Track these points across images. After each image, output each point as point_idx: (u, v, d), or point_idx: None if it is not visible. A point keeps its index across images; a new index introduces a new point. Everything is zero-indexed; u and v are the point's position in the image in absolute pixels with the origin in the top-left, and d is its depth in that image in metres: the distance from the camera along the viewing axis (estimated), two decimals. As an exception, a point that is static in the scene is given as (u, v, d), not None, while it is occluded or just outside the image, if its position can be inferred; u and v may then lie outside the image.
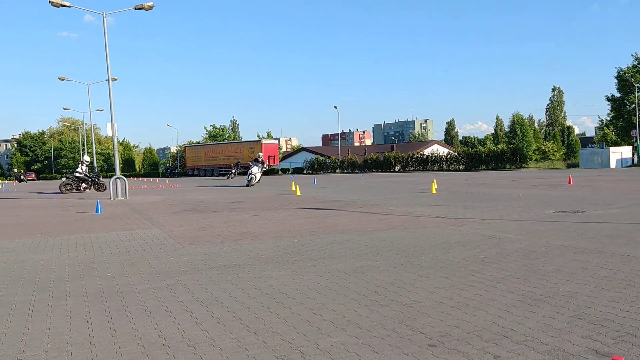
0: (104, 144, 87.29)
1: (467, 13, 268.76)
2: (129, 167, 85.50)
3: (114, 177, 18.31)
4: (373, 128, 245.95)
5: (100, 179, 24.47)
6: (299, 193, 18.08)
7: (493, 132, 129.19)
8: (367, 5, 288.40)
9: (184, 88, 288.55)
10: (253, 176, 25.43)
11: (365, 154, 60.09)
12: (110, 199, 18.09)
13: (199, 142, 73.56)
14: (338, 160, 57.40)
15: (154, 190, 27.02)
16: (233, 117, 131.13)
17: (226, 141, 72.39)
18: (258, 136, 70.85)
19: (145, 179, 58.51)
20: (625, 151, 44.88)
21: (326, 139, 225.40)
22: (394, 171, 52.37)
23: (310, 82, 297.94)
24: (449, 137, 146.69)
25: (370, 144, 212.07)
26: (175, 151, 74.80)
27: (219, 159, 59.28)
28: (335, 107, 58.99)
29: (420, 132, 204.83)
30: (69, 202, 18.09)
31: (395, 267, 5.70)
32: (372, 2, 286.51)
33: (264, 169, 26.65)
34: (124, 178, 18.92)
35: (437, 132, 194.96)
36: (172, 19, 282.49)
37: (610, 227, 8.16)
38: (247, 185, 25.26)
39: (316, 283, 5.09)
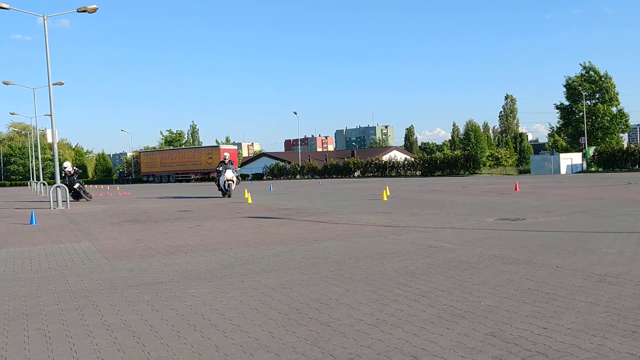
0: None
1: (426, 28, 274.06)
2: (81, 174, 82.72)
3: (54, 185, 17.56)
4: (335, 133, 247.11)
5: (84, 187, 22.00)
6: (250, 201, 17.79)
7: (450, 138, 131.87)
8: (333, 7, 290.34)
9: (142, 92, 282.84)
10: (231, 182, 20.43)
11: (326, 159, 60.15)
12: (50, 208, 17.34)
13: (154, 148, 72.01)
14: (298, 166, 57.24)
15: (101, 198, 26.14)
16: (192, 122, 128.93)
17: (183, 146, 71.13)
18: (216, 141, 69.87)
19: (96, 186, 56.71)
20: (575, 157, 46.39)
21: (289, 144, 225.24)
22: (354, 177, 52.61)
23: (273, 87, 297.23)
24: (409, 143, 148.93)
25: (332, 149, 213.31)
26: (130, 157, 72.95)
27: (175, 164, 58.16)
28: (295, 113, 59.08)
29: (381, 137, 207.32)
30: (7, 212, 17.24)
31: (325, 281, 5.56)
32: (337, 5, 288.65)
33: (235, 172, 20.97)
34: (65, 186, 18.17)
35: (397, 138, 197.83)
36: (130, 23, 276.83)
37: (546, 235, 8.27)
38: (228, 196, 20.47)
39: (238, 301, 4.89)
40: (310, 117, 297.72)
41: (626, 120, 50.79)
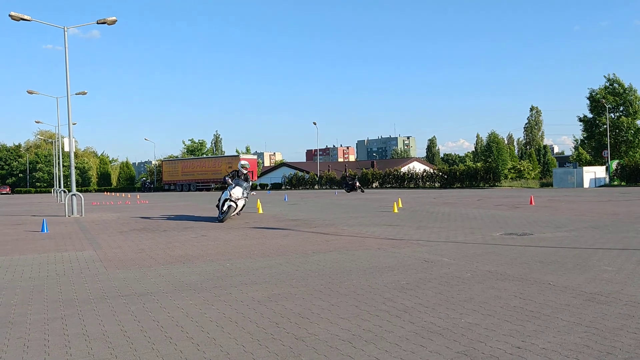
0: (80, 157, 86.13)
1: (450, 35, 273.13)
2: (105, 182, 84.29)
3: (70, 193, 17.92)
4: (357, 144, 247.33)
5: None
6: (261, 211, 17.88)
7: (473, 150, 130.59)
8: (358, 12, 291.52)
9: (168, 101, 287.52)
10: (233, 204, 14.62)
11: (345, 170, 60.11)
12: (65, 216, 17.70)
13: (177, 157, 73.00)
14: (316, 176, 57.32)
15: (118, 206, 26.56)
16: (216, 131, 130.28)
17: (203, 156, 71.90)
18: (237, 151, 70.41)
19: (119, 193, 57.70)
20: (599, 171, 45.46)
21: (310, 154, 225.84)
22: (372, 187, 52.41)
23: (296, 96, 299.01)
24: (431, 154, 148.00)
25: (354, 159, 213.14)
26: (153, 165, 74.02)
27: (196, 173, 58.82)
28: (314, 123, 59.20)
29: (402, 148, 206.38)
30: (23, 219, 17.65)
31: (312, 295, 5.55)
32: (359, 28, 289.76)
33: (248, 190, 15.39)
34: (80, 194, 18.52)
35: (420, 149, 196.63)
36: (154, 30, 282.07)
37: (548, 251, 8.12)
38: (219, 220, 14.52)
39: (221, 314, 4.91)
40: (332, 127, 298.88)
41: (651, 134, 49.64)
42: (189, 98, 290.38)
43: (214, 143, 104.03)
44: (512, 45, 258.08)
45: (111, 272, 7.17)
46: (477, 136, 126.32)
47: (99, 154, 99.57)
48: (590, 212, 14.93)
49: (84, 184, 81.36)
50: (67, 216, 17.62)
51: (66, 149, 18.48)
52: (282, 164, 78.14)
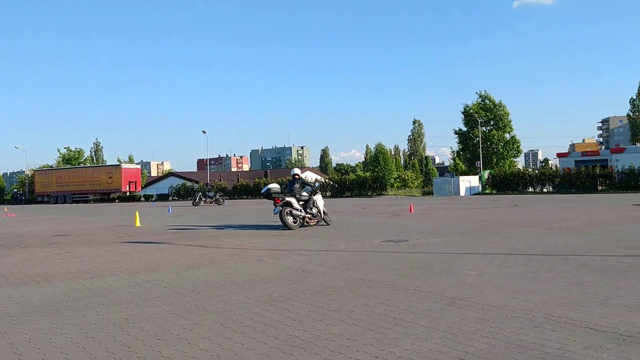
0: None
1: (344, 46, 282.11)
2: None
3: None
4: (251, 153, 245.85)
5: None
6: (138, 224, 16.89)
7: (364, 160, 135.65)
8: (242, 32, 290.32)
9: (41, 108, 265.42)
10: (307, 215, 14.15)
11: (237, 179, 59.16)
12: None
13: (51, 166, 67.36)
14: (206, 186, 55.79)
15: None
16: (96, 139, 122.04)
17: (81, 165, 67.11)
18: (118, 160, 66.50)
19: (-16, 207, 51.88)
20: (473, 180, 49.03)
21: (202, 164, 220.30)
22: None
23: (186, 104, 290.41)
24: (324, 164, 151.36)
25: (247, 169, 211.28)
26: (24, 176, 67.60)
27: (72, 184, 54.63)
28: (204, 132, 57.66)
29: (297, 158, 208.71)
30: None
31: (176, 314, 5.19)
32: (249, 33, 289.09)
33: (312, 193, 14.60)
34: None
35: (314, 158, 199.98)
36: (25, 27, 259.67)
37: (419, 257, 8.42)
38: (288, 227, 13.59)
39: (69, 339, 4.41)
40: (226, 137, 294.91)
41: (518, 146, 54.76)
42: (67, 104, 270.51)
43: (94, 152, 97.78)
44: (399, 56, 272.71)
45: (-57, 298, 6.23)
46: (367, 147, 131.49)
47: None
48: (462, 219, 15.92)
49: None
50: None
51: None
52: (170, 174, 75.16)
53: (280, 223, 13.77)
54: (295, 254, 9.24)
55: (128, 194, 54.28)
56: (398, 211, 20.47)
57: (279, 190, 14.10)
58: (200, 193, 35.76)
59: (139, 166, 59.18)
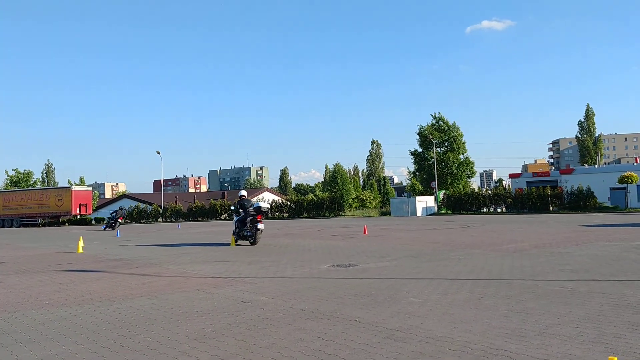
0: None
1: (305, 66, 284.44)
2: None
3: None
4: (209, 174, 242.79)
5: None
6: (80, 250, 16.09)
7: (323, 180, 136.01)
8: (195, 48, 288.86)
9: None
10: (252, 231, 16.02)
11: (194, 201, 57.98)
12: None
13: (-2, 189, 64.38)
14: (160, 208, 54.46)
15: None
16: (48, 160, 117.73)
17: (30, 187, 64.40)
18: (69, 182, 64.10)
19: None
20: (429, 200, 49.67)
21: (158, 185, 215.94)
22: (220, 219, 51.20)
23: (141, 124, 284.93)
24: (283, 184, 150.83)
25: (205, 190, 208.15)
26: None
27: (20, 207, 52.16)
28: (158, 152, 56.52)
29: (256, 179, 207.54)
30: None
31: (96, 353, 4.81)
32: (208, 52, 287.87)
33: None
34: None
35: (273, 179, 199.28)
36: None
37: (365, 283, 8.24)
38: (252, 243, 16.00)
39: (-36, 389, 3.96)
40: (184, 157, 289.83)
41: (471, 167, 56.02)
42: (18, 125, 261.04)
43: (46, 173, 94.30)
44: (358, 76, 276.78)
45: None
46: (326, 167, 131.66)
47: None
48: (414, 241, 15.91)
49: None
50: None
51: None
52: (124, 196, 73.10)
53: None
54: (238, 282, 8.90)
55: (79, 217, 52.29)
56: (352, 233, 20.34)
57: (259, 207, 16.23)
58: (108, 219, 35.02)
59: (90, 188, 57.03)
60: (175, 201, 60.17)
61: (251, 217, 16.03)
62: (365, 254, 12.68)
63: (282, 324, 5.67)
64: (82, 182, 66.32)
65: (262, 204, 16.56)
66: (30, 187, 64.67)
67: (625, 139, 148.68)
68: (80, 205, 51.18)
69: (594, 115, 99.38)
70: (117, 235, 26.00)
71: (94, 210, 57.79)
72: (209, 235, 22.82)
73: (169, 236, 23.80)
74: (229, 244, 16.66)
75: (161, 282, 9.18)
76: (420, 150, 56.37)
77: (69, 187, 51.71)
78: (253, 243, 16.02)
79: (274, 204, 51.95)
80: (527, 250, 12.32)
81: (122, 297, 7.76)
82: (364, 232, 19.74)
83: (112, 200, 72.03)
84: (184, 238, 21.58)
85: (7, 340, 5.39)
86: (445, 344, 4.69)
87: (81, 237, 18.27)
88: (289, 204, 52.03)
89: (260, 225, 16.01)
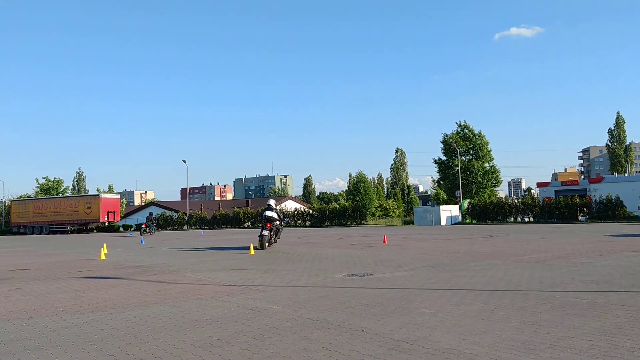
0: None
1: (326, 79, 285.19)
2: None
3: None
4: (234, 182, 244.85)
5: None
6: (103, 257, 16.36)
7: (347, 188, 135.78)
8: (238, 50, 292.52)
9: (24, 133, 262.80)
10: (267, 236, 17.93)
11: (219, 208, 58.50)
12: None
13: (29, 196, 66.08)
14: (185, 215, 55.10)
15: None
16: (79, 169, 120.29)
17: (60, 195, 65.93)
18: (98, 190, 65.34)
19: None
20: (454, 209, 49.07)
21: (185, 192, 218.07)
22: (244, 227, 51.51)
23: (171, 134, 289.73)
24: (307, 193, 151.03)
25: (231, 197, 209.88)
26: (1, 206, 66.10)
27: (50, 214, 53.48)
28: (184, 161, 57.36)
29: (280, 187, 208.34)
30: None
31: (101, 360, 4.83)
32: (235, 67, 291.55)
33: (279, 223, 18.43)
34: None
35: (297, 187, 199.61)
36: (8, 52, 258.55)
37: (378, 293, 8.14)
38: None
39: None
40: (210, 166, 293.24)
41: (497, 176, 55.12)
42: (51, 134, 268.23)
43: (77, 181, 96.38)
44: (380, 89, 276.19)
45: None
46: (350, 175, 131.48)
47: None
48: (434, 251, 15.70)
49: None
50: None
51: None
52: (151, 203, 74.21)
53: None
54: (252, 289, 8.90)
55: (107, 224, 53.32)
56: (372, 242, 20.19)
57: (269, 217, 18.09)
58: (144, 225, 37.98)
59: (118, 196, 58.09)
60: (201, 209, 60.83)
61: (261, 225, 18.36)
62: (382, 263, 12.55)
63: (288, 333, 5.63)
64: (110, 189, 67.53)
65: (268, 213, 18.11)
66: (59, 195, 66.16)
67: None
68: (108, 212, 52.17)
69: (624, 122, 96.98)
70: (142, 242, 26.36)
71: (121, 218, 58.81)
72: (230, 243, 22.95)
73: (191, 243, 24.03)
74: (247, 252, 16.71)
75: (176, 290, 9.24)
76: (444, 158, 55.79)
77: (98, 195, 52.73)
78: (260, 247, 17.66)
79: (296, 212, 52.02)
80: (549, 260, 12.02)
81: (136, 305, 7.83)
82: (384, 242, 19.57)
83: (140, 208, 73.26)
84: (206, 245, 21.75)
85: (17, 347, 5.47)
86: (451, 356, 4.58)
87: (105, 244, 18.58)
88: (311, 212, 52.05)
89: (264, 232, 17.87)
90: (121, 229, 55.35)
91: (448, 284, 8.89)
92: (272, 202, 19.17)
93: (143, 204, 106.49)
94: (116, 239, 33.60)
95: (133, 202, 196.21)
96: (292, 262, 13.50)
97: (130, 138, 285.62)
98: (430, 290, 8.31)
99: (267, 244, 17.87)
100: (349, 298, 7.75)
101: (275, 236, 18.76)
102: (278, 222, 18.50)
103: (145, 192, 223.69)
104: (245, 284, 9.68)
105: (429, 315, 6.36)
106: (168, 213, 55.99)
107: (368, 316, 6.39)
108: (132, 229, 53.85)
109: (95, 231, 52.64)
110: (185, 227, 53.85)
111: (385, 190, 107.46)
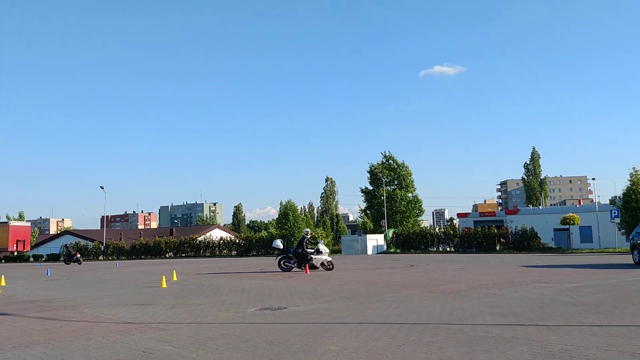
0: None
1: (257, 108, 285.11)
2: None
3: None
4: (160, 210, 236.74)
5: None
6: (-4, 291, 14.86)
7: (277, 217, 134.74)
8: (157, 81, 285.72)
9: None
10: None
11: (140, 237, 55.83)
12: None
13: None
14: (102, 245, 52.12)
15: None
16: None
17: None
18: (7, 217, 60.75)
19: None
20: (380, 238, 49.65)
21: (107, 221, 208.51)
22: (165, 257, 49.39)
23: (92, 159, 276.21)
24: (237, 221, 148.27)
25: (155, 226, 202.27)
26: None
27: (-47, 243, 48.76)
28: (102, 187, 54.53)
29: (208, 215, 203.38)
30: None
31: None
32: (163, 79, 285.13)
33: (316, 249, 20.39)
34: None
35: (227, 215, 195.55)
36: None
37: (287, 329, 7.73)
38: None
39: None
40: (134, 192, 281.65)
41: (420, 206, 56.55)
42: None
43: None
44: (313, 119, 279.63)
45: None
46: (281, 203, 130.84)
47: None
48: (354, 281, 15.52)
49: None
50: None
51: None
52: (65, 232, 69.78)
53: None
54: (152, 328, 8.20)
55: (16, 253, 49.39)
56: (294, 273, 19.75)
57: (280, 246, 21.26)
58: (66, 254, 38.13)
59: (29, 224, 54.07)
60: (120, 238, 57.86)
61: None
62: (299, 295, 12.16)
63: (176, 379, 5.09)
64: (21, 217, 62.92)
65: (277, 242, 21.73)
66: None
67: (570, 181, 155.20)
68: (17, 241, 48.48)
69: (539, 157, 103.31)
70: (48, 274, 24.41)
71: (32, 247, 54.77)
72: (144, 275, 21.70)
73: (101, 276, 22.50)
74: (158, 285, 15.76)
75: (66, 328, 8.36)
76: (371, 188, 56.66)
77: (7, 223, 48.95)
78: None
79: (221, 242, 50.63)
80: (462, 291, 12.13)
81: (15, 345, 6.95)
82: (306, 272, 19.21)
83: (53, 237, 68.69)
84: (113, 278, 20.40)
85: None
86: (346, 402, 4.24)
87: (2, 276, 16.94)
88: (237, 241, 50.89)
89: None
90: (31, 259, 51.50)
91: (360, 317, 8.64)
92: (307, 230, 21.90)
93: (59, 232, 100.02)
94: (22, 269, 31.03)
95: (49, 230, 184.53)
96: (204, 295, 12.81)
97: (44, 160, 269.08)
98: (341, 324, 8.01)
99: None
100: (255, 335, 7.28)
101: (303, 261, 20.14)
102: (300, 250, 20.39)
103: (62, 220, 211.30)
104: (146, 321, 8.94)
105: (334, 352, 6.03)
106: (83, 242, 52.66)
107: (269, 356, 5.96)
108: (42, 259, 50.20)
109: (3, 261, 48.58)
110: (101, 257, 50.90)
111: (315, 219, 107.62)
